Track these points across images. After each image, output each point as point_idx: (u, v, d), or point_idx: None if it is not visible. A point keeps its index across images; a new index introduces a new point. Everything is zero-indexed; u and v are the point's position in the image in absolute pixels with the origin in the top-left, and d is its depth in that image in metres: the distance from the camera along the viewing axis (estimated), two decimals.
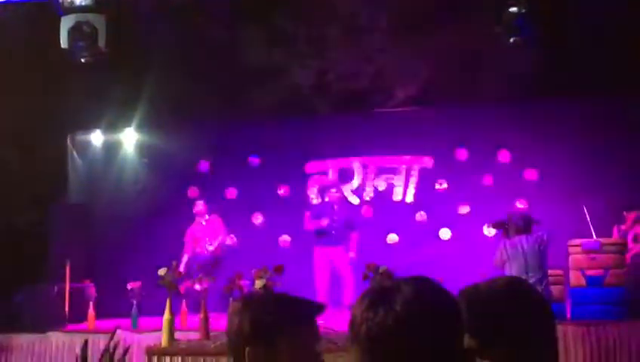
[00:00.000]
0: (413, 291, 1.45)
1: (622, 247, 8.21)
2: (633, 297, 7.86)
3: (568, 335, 7.43)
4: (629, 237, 8.90)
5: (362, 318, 1.44)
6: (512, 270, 7.24)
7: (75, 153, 11.42)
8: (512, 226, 7.55)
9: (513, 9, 7.64)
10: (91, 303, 8.55)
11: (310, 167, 11.56)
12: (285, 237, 11.33)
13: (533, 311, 1.85)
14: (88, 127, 11.38)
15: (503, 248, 7.48)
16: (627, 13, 8.31)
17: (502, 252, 7.48)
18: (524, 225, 7.52)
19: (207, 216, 10.36)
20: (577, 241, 8.01)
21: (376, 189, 11.37)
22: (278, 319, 1.99)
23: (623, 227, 9.11)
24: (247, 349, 1.97)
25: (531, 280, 7.13)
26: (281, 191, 11.49)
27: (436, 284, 1.50)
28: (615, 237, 8.88)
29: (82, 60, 8.30)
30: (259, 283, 6.90)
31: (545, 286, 7.27)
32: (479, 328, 1.79)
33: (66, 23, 8.21)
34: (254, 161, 11.61)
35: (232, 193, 11.59)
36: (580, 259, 7.94)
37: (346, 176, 11.46)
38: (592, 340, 7.49)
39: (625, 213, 9.15)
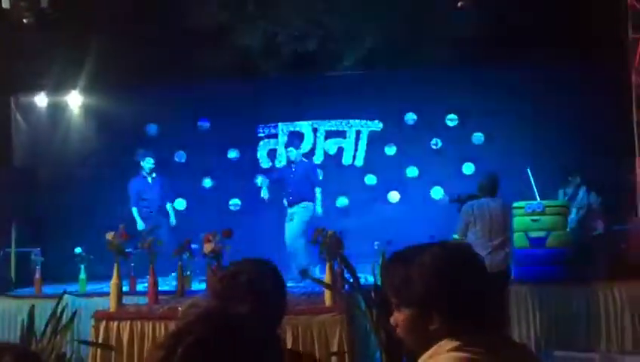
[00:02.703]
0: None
1: (564, 210, 8.42)
2: (574, 258, 8.08)
3: (511, 295, 7.64)
4: (572, 200, 9.12)
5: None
6: (477, 230, 7.23)
7: (18, 115, 11.17)
8: (478, 187, 7.51)
9: None
10: (38, 268, 8.45)
11: (260, 130, 11.52)
12: (235, 201, 11.33)
13: (476, 277, 1.92)
14: (32, 88, 11.13)
15: (470, 209, 7.38)
16: None
17: (468, 213, 7.36)
18: (491, 186, 7.46)
19: (154, 175, 10.17)
20: (521, 203, 8.18)
21: (326, 153, 11.40)
22: None
23: (567, 190, 9.32)
24: None
25: (495, 243, 7.19)
26: (231, 155, 11.46)
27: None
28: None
29: (24, 21, 8.08)
30: (208, 247, 6.91)
31: (508, 250, 7.32)
32: (422, 294, 1.86)
33: None
34: (204, 124, 11.53)
35: (181, 156, 11.51)
36: (523, 221, 8.12)
37: (295, 139, 11.44)
38: (534, 300, 7.71)
39: (569, 176, 9.35)
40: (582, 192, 9.16)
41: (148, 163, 10.04)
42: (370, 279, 6.79)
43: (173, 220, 10.07)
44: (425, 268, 1.88)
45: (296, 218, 9.40)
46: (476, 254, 1.98)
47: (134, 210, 9.93)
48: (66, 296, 7.18)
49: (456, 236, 7.42)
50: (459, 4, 7.89)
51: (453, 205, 7.95)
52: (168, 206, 10.19)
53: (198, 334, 1.39)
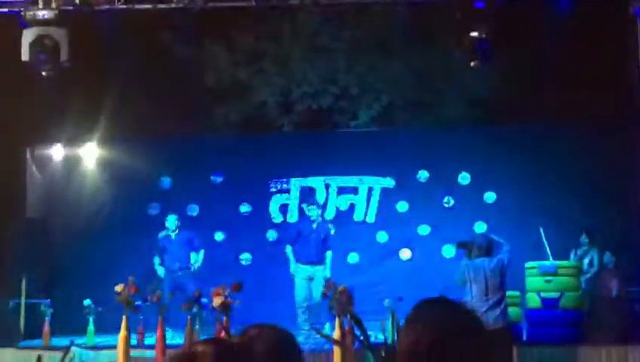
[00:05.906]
0: None
1: (577, 270, 8.34)
2: (588, 320, 7.98)
3: (523, 357, 7.52)
4: (585, 261, 9.05)
5: None
6: (473, 291, 7.28)
7: (34, 167, 11.26)
8: (476, 247, 7.57)
9: (474, 33, 7.72)
10: (47, 319, 8.42)
11: (273, 185, 11.54)
12: (246, 255, 11.29)
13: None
14: (49, 140, 11.25)
15: (465, 268, 7.48)
16: (584, 42, 8.51)
17: (464, 272, 7.48)
18: (487, 247, 7.54)
19: (177, 231, 10.18)
20: (534, 264, 8.12)
21: (338, 208, 11.39)
22: None
23: (579, 251, 9.26)
24: None
25: (490, 302, 7.20)
26: (243, 209, 11.46)
27: None
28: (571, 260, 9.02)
29: (43, 74, 8.20)
30: (217, 301, 6.88)
31: (504, 307, 7.35)
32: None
33: (27, 36, 8.12)
34: (217, 178, 11.58)
35: (193, 210, 11.52)
36: (536, 282, 8.05)
37: (308, 194, 11.46)
38: None
39: (581, 236, 9.30)
40: (594, 253, 9.11)
41: (171, 220, 10.09)
42: (380, 336, 6.72)
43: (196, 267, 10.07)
44: (429, 334, 1.87)
45: (320, 277, 9.37)
46: (476, 317, 1.97)
47: (157, 264, 9.95)
48: (73, 348, 7.13)
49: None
50: (472, 63, 7.94)
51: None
52: (192, 257, 10.14)
53: None
